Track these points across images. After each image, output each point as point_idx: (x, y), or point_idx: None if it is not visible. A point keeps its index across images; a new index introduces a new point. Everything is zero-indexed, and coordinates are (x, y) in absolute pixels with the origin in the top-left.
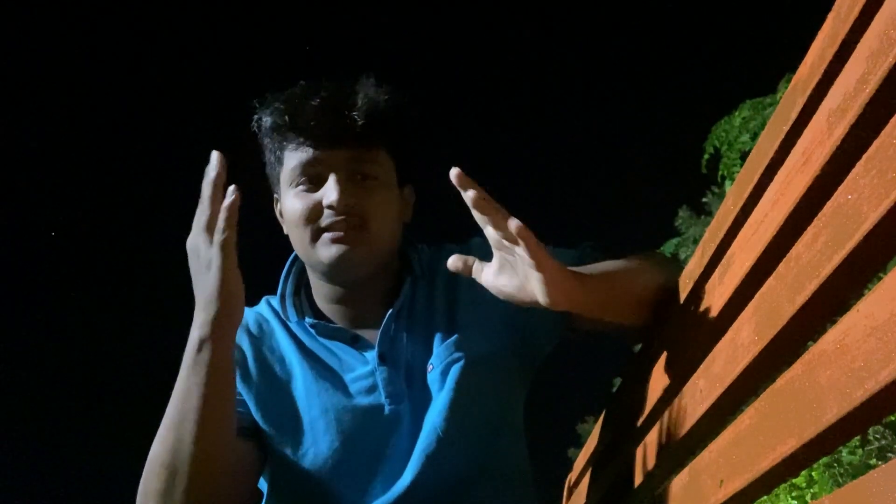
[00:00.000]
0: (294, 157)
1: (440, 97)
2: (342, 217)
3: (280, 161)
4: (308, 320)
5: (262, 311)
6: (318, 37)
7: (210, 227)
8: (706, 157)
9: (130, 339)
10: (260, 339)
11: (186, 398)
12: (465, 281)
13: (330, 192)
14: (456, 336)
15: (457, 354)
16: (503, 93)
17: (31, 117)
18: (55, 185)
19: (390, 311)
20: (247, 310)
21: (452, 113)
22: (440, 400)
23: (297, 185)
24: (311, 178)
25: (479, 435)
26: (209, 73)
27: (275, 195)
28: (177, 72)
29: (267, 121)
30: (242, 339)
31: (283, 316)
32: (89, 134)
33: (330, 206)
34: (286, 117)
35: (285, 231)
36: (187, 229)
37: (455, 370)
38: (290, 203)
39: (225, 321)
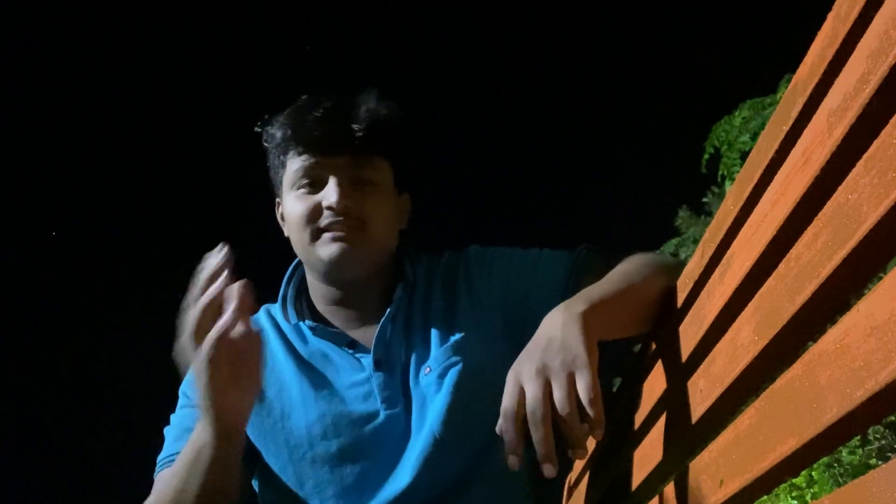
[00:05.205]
0: (297, 162)
1: (438, 99)
2: (341, 218)
3: (283, 165)
4: (308, 322)
5: (261, 320)
6: (316, 39)
7: (199, 333)
8: (706, 157)
9: (128, 338)
10: None
11: (184, 489)
12: (463, 286)
13: (330, 193)
14: (454, 340)
15: (454, 358)
16: (501, 93)
17: (30, 117)
18: (54, 185)
19: (385, 316)
20: None
21: (449, 114)
22: (438, 404)
23: (299, 188)
24: (313, 181)
25: (476, 439)
26: (212, 75)
27: (276, 199)
28: (180, 75)
29: (274, 135)
30: None
31: (283, 318)
32: (90, 134)
33: (329, 208)
34: (290, 130)
35: (286, 233)
36: (187, 230)
37: (453, 374)
38: (292, 204)
39: (222, 431)
